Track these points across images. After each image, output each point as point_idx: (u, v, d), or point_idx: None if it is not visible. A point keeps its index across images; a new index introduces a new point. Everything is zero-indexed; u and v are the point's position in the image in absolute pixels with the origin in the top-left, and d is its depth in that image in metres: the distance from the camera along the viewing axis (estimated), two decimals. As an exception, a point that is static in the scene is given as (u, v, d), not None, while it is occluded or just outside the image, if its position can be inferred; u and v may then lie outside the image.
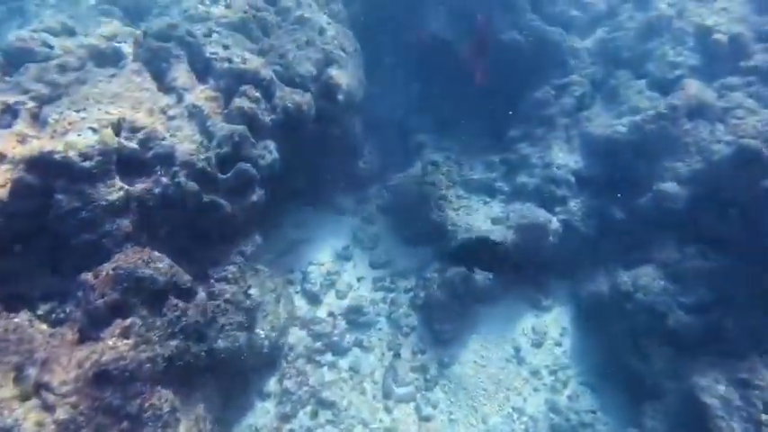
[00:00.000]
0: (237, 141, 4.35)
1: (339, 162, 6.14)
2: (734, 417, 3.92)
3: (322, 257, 6.16)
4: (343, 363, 5.42)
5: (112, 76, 4.43)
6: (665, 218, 4.88)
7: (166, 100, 4.38)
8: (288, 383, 5.02)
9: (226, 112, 4.51)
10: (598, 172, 5.40)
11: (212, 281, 4.31)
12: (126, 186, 3.72)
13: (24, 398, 3.09)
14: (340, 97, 5.26)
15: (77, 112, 3.76)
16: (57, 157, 3.38)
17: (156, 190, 3.96)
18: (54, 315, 3.54)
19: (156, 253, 3.85)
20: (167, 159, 4.03)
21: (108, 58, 4.86)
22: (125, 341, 3.49)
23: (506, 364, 5.41)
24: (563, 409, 5.01)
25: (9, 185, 3.30)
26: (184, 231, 4.22)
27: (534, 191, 5.57)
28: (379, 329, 5.71)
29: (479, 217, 5.71)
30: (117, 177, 3.68)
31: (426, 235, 6.07)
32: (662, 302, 4.61)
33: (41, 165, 3.37)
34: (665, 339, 4.64)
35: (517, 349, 5.48)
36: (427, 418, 5.02)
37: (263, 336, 4.71)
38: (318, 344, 5.45)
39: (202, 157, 4.11)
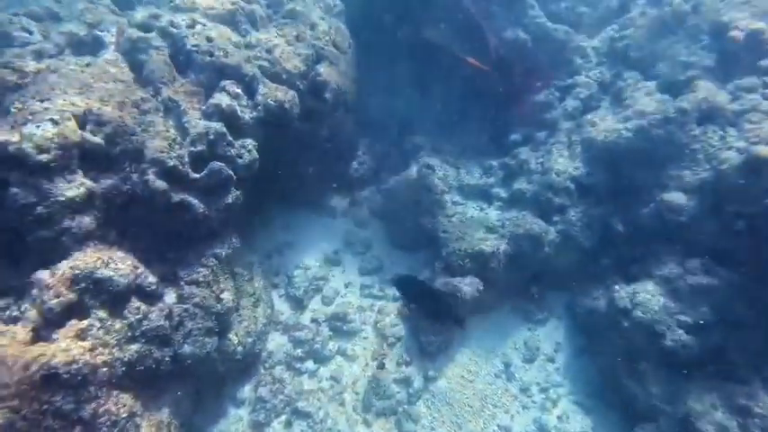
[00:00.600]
0: (213, 139, 4.20)
1: (330, 163, 5.97)
2: (732, 449, 3.64)
3: (310, 261, 6.00)
4: (325, 371, 5.24)
5: (87, 65, 4.31)
6: (669, 230, 4.59)
7: (141, 93, 4.25)
8: (263, 391, 4.87)
9: (204, 108, 4.36)
10: (600, 180, 5.12)
11: (182, 283, 4.16)
12: (89, 182, 3.59)
13: (-35, 401, 2.99)
14: (328, 96, 5.09)
15: (41, 101, 3.64)
16: (11, 148, 3.26)
17: (124, 187, 3.82)
18: (8, 312, 3.42)
19: (120, 253, 3.72)
20: (137, 156, 3.90)
21: (87, 47, 4.76)
22: (80, 343, 3.36)
23: (495, 380, 5.17)
24: (552, 430, 4.76)
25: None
26: (155, 230, 4.08)
27: (532, 198, 5.32)
28: (365, 338, 5.53)
29: (473, 225, 5.47)
30: (79, 173, 3.56)
31: (419, 241, 5.87)
32: (661, 321, 4.32)
33: (-4, 157, 3.27)
34: (663, 360, 4.35)
35: (507, 364, 5.24)
36: (407, 435, 4.82)
37: (235, 342, 4.56)
38: (299, 351, 5.29)
39: (174, 154, 3.96)
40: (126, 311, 3.67)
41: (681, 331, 4.25)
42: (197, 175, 4.11)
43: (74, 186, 3.49)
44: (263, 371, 5.06)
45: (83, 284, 3.44)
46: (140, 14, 4.91)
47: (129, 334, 3.64)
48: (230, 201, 4.33)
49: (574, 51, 5.75)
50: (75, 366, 3.28)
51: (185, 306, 4.07)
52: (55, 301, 3.33)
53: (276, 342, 5.34)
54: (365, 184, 6.62)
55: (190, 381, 4.30)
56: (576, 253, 5.11)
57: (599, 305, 4.90)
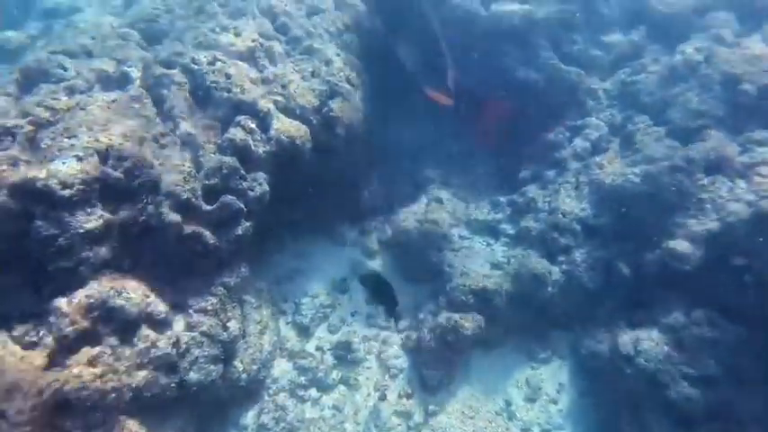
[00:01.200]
0: (226, 173, 4.40)
1: (341, 193, 6.14)
2: None
3: (318, 289, 6.14)
4: (327, 400, 5.34)
5: (113, 101, 4.58)
6: (674, 278, 4.61)
7: (161, 128, 4.50)
8: (265, 418, 4.99)
9: (219, 141, 4.58)
10: (606, 222, 5.18)
11: (191, 311, 4.34)
12: (107, 215, 3.81)
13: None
14: (339, 131, 5.28)
15: (69, 138, 3.90)
16: (38, 184, 3.50)
17: (140, 218, 4.04)
18: (28, 337, 3.63)
19: (132, 282, 3.92)
20: (153, 188, 4.12)
21: (115, 82, 5.06)
22: (91, 370, 3.55)
23: (495, 418, 5.20)
24: (551, 474, 4.77)
25: (-7, 209, 3.46)
26: (168, 259, 4.28)
27: (538, 237, 5.39)
28: (368, 368, 5.62)
29: (478, 260, 5.56)
30: (98, 206, 3.78)
31: (425, 273, 5.97)
32: (664, 371, 4.32)
33: (23, 191, 3.51)
34: (666, 411, 4.34)
35: (508, 402, 5.27)
36: (404, 469, 4.88)
37: (240, 369, 4.70)
38: (303, 378, 5.41)
39: (188, 187, 4.17)
40: (136, 339, 3.86)
41: (685, 383, 4.25)
42: (209, 208, 4.31)
43: (93, 219, 3.71)
44: (266, 397, 5.19)
45: (96, 313, 3.64)
46: (165, 51, 5.20)
47: (138, 361, 3.82)
48: (240, 233, 4.52)
49: (585, 93, 5.85)
50: (85, 392, 3.47)
51: (193, 334, 4.24)
52: (70, 328, 3.54)
53: (281, 368, 5.47)
54: (376, 214, 6.76)
55: (195, 407, 4.45)
56: (581, 294, 5.14)
57: (602, 349, 4.91)
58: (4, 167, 3.62)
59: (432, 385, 5.28)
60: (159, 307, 4.03)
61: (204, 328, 4.30)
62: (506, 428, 5.13)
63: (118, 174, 3.90)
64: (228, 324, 4.52)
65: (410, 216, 6.10)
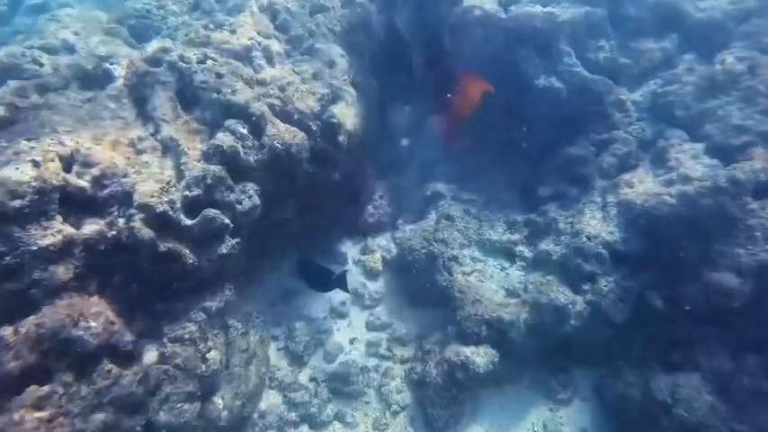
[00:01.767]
0: (210, 183, 3.87)
1: (343, 207, 5.60)
2: None
3: (314, 312, 5.58)
4: (319, 439, 4.77)
5: (88, 100, 4.09)
6: (718, 315, 4.02)
7: (140, 131, 3.99)
8: (248, 461, 4.42)
9: (206, 148, 4.06)
10: (637, 248, 4.60)
11: (166, 340, 3.79)
12: (68, 229, 3.28)
13: None
14: (341, 139, 4.75)
15: (28, 140, 3.38)
16: (-17, 193, 2.99)
17: (110, 233, 3.51)
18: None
19: (95, 308, 3.38)
20: (126, 199, 3.59)
21: (95, 80, 4.56)
22: (36, 414, 3.00)
23: (508, 467, 4.60)
24: None
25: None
26: (142, 279, 3.74)
27: (559, 262, 4.82)
28: (366, 403, 5.04)
29: (492, 286, 4.99)
30: (57, 219, 3.25)
31: (434, 298, 5.39)
32: (710, 426, 3.72)
33: (-34, 201, 2.99)
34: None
35: (523, 450, 4.67)
36: None
37: (221, 405, 4.13)
38: (294, 414, 4.84)
39: (165, 199, 3.64)
40: (95, 375, 3.30)
41: (733, 440, 3.65)
42: (189, 222, 3.77)
43: (49, 234, 3.18)
44: (251, 436, 4.61)
45: (47, 345, 3.10)
46: (152, 48, 4.71)
47: (96, 401, 3.26)
48: (225, 251, 3.98)
49: (612, 104, 5.30)
50: (27, 442, 2.92)
51: (165, 367, 3.69)
52: (14, 363, 2.99)
53: (270, 402, 4.90)
54: (381, 231, 6.21)
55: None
56: (607, 328, 4.56)
57: (633, 393, 4.32)
58: (-52, 172, 3.11)
59: (437, 427, 4.69)
60: (126, 336, 3.49)
61: (179, 361, 3.75)
62: (521, 479, 4.53)
63: (82, 182, 3.37)
64: (208, 355, 3.96)
65: (417, 234, 5.54)
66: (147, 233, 3.48)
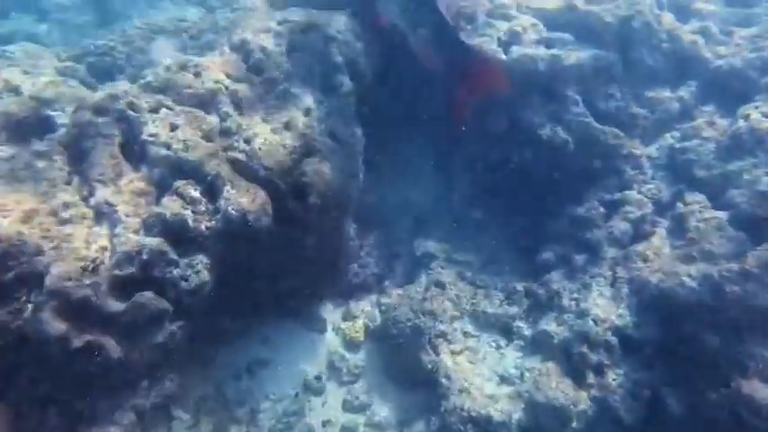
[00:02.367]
0: (146, 260, 3.34)
1: (319, 273, 5.03)
2: None
3: (284, 389, 4.96)
4: None
5: (11, 157, 3.60)
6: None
7: (67, 196, 3.48)
8: None
9: (145, 217, 3.53)
10: (652, 335, 4.02)
11: (84, 448, 3.22)
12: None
13: None
14: (312, 200, 4.23)
15: None
16: None
17: (14, 324, 2.97)
18: None
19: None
20: (38, 282, 3.06)
21: (29, 130, 4.08)
22: None
23: None
24: None
25: None
26: (57, 375, 3.19)
27: (561, 347, 4.23)
28: (337, 508, 4.40)
29: (484, 370, 4.40)
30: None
31: (419, 377, 4.79)
32: None
33: None
34: None
35: None
36: None
37: None
38: None
39: (87, 282, 3.11)
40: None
41: None
42: (118, 308, 3.24)
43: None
44: None
45: None
46: (100, 93, 4.24)
47: None
48: (161, 339, 3.42)
49: (625, 159, 4.76)
50: None
51: (80, 485, 3.11)
52: None
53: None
54: (366, 292, 5.64)
55: None
56: (615, 430, 3.92)
57: None
58: None
59: None
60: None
61: (98, 476, 3.17)
62: None
63: (-22, 268, 2.85)
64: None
65: (404, 303, 4.96)
66: (57, 327, 2.95)
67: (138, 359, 3.35)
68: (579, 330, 4.12)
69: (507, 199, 5.39)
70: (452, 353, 4.56)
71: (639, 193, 4.67)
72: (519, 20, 5.16)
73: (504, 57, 5.00)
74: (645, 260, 4.22)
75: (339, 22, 5.46)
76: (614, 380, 3.94)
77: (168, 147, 3.84)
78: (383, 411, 4.84)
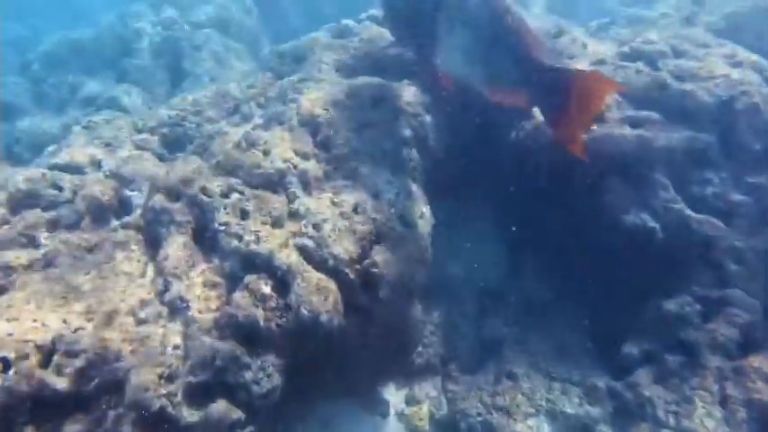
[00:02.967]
0: (220, 366, 3.34)
1: (383, 358, 4.94)
2: None
3: (343, 479, 4.86)
4: None
5: (92, 248, 3.74)
6: None
7: (143, 293, 3.56)
8: None
9: (218, 316, 3.56)
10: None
11: None
12: (37, 441, 2.80)
13: None
14: (382, 294, 4.16)
15: (8, 321, 2.99)
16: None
17: (93, 434, 3.01)
18: None
19: None
20: (117, 390, 3.11)
21: (110, 213, 4.27)
22: None
23: None
24: None
25: None
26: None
27: (657, 469, 3.90)
28: None
29: (564, 484, 4.12)
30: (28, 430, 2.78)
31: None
32: None
33: None
34: None
35: None
36: None
37: None
38: None
39: (163, 391, 3.13)
40: None
41: None
42: (192, 420, 3.23)
43: (12, 454, 2.70)
44: None
45: None
46: (173, 175, 4.36)
47: None
48: (232, 449, 3.38)
49: (725, 253, 4.45)
50: None
51: None
52: None
53: None
54: (429, 374, 5.48)
55: None
56: None
57: None
58: None
59: None
60: None
61: None
62: None
63: (61, 384, 2.92)
64: None
65: (473, 394, 4.79)
66: (134, 444, 2.95)
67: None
68: (682, 454, 3.80)
69: (583, 282, 5.16)
70: (528, 459, 4.31)
71: (748, 293, 4.33)
72: (602, 95, 5.02)
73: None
74: (765, 380, 3.86)
75: (409, 93, 5.50)
76: None
77: (239, 238, 3.89)
78: None
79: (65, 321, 3.11)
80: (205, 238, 4.06)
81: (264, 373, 3.57)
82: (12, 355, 2.80)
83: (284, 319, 3.74)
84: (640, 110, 4.87)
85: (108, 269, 3.59)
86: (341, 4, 10.82)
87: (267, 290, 3.74)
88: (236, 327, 3.52)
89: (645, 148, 4.66)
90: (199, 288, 3.74)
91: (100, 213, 4.22)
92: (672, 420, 4.01)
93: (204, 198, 4.12)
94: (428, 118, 5.42)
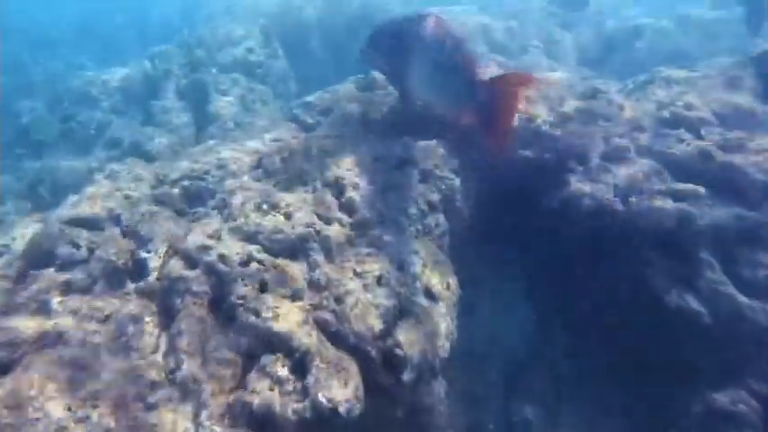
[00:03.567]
0: (229, 461, 3.16)
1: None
2: None
3: None
4: None
5: (105, 319, 3.65)
6: None
7: (154, 372, 3.43)
8: None
9: (231, 400, 3.41)
10: None
11: None
12: None
13: None
14: (406, 377, 3.96)
15: (14, 410, 2.87)
16: None
17: None
18: None
19: None
20: (118, 485, 2.95)
21: (126, 275, 4.21)
22: None
23: None
24: None
25: None
26: None
27: None
28: None
29: None
30: None
31: None
32: None
33: None
34: None
35: None
36: None
37: None
38: None
39: (168, 489, 2.96)
40: None
41: None
42: None
43: None
44: None
45: None
46: (191, 241, 4.28)
47: None
48: None
49: (780, 344, 4.18)
50: None
51: None
52: None
53: None
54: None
55: None
56: None
57: None
58: None
59: None
60: None
61: None
62: None
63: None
64: None
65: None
66: None
67: None
68: None
69: (616, 358, 4.90)
70: None
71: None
72: (639, 164, 4.87)
73: (620, 207, 4.69)
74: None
75: (437, 155, 5.42)
76: None
77: (257, 314, 3.76)
78: None
79: (69, 408, 2.99)
80: (222, 310, 3.94)
81: (277, 466, 3.38)
82: (10, 451, 2.68)
83: (300, 405, 3.56)
84: (684, 181, 4.68)
85: (116, 349, 3.48)
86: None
87: (284, 372, 3.59)
88: (249, 415, 3.35)
89: (688, 224, 4.46)
90: (212, 366, 3.60)
91: (115, 276, 4.16)
92: None
93: (223, 267, 4.02)
94: (457, 182, 5.31)
